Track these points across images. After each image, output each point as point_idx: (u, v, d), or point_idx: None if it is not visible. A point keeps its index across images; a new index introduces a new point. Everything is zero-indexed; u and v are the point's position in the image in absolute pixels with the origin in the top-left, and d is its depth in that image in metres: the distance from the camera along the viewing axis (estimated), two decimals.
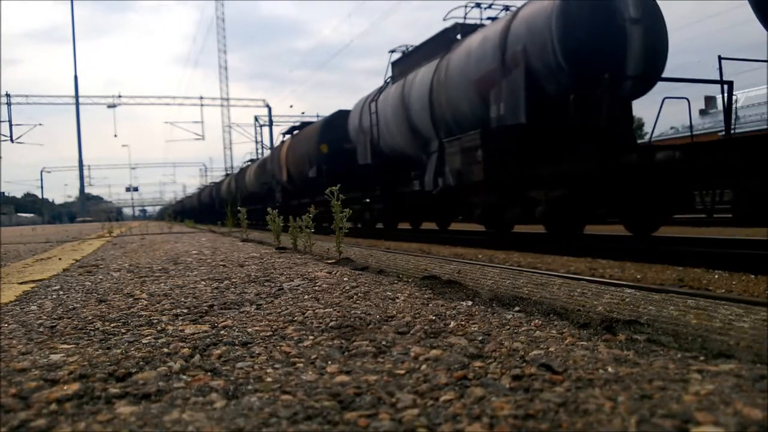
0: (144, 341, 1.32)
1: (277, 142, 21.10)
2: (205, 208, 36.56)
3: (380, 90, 11.99)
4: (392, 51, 11.98)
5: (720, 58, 6.15)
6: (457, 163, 8.26)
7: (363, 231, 13.00)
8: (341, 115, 14.63)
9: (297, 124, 19.57)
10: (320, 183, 13.31)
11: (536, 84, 7.04)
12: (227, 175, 36.05)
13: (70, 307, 1.88)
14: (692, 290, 3.67)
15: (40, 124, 40.42)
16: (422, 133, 10.01)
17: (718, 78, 6.28)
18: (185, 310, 1.74)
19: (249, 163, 27.96)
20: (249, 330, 1.42)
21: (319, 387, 0.95)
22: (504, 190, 7.68)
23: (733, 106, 7.51)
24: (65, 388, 0.97)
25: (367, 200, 12.60)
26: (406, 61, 11.36)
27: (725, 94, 6.49)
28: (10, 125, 37.74)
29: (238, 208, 6.72)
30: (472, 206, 8.65)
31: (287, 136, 19.58)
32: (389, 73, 12.01)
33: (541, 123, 7.00)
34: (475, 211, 8.53)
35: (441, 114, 9.21)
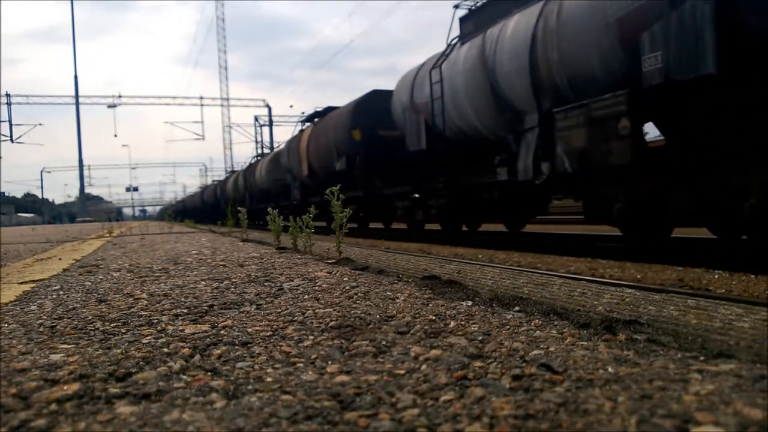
0: (144, 341, 1.32)
1: (294, 132, 18.20)
2: (208, 208, 34.79)
3: (443, 54, 9.08)
4: (456, 6, 9.01)
5: None
6: (581, 139, 5.99)
7: (362, 231, 12.69)
8: (377, 96, 12.17)
9: (319, 109, 16.10)
10: (351, 176, 11.68)
11: (733, 14, 4.59)
12: (233, 172, 33.35)
13: (70, 307, 1.88)
14: (692, 290, 3.67)
15: (40, 124, 40.39)
16: (513, 104, 7.41)
17: None
18: (185, 310, 1.74)
19: (259, 158, 25.28)
20: (249, 330, 1.42)
21: (319, 387, 0.95)
22: (673, 173, 5.32)
23: None
24: (65, 388, 0.97)
25: (416, 195, 10.33)
26: (485, 13, 8.37)
27: None
28: (10, 125, 37.74)
29: (239, 208, 6.31)
30: (602, 200, 6.20)
31: (307, 125, 16.66)
32: (455, 34, 9.03)
33: (740, 72, 4.64)
34: (613, 206, 5.96)
35: (548, 75, 6.65)
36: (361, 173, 11.98)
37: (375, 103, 11.98)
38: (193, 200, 47.10)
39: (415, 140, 9.94)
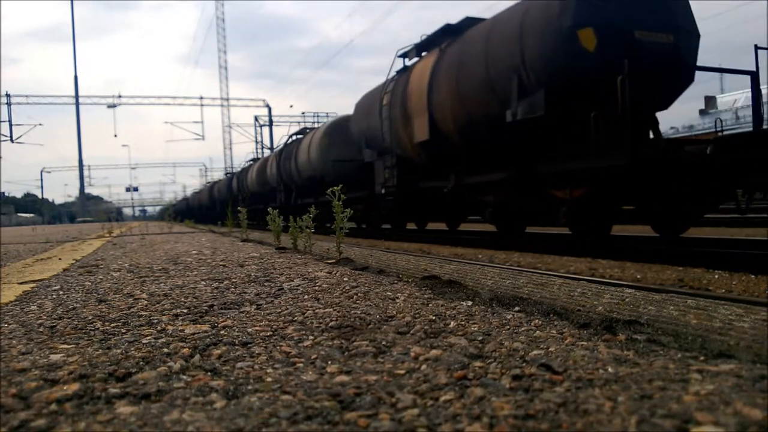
0: (144, 341, 1.32)
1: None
2: (215, 206, 30.53)
3: None
4: None
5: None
6: None
7: (362, 231, 12.24)
8: None
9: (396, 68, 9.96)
10: (558, 128, 6.28)
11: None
12: (254, 161, 26.48)
13: (70, 307, 1.88)
14: (692, 290, 3.67)
15: (40, 124, 40.40)
16: None
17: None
18: (185, 310, 1.74)
19: (298, 136, 17.83)
20: (249, 330, 1.42)
21: (319, 387, 0.95)
22: None
23: (734, 105, 7.37)
24: (65, 388, 0.97)
25: None
26: None
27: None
28: (10, 125, 37.76)
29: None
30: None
31: (414, 60, 9.73)
32: None
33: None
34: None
35: None
36: (624, 112, 5.27)
37: None
38: (199, 197, 42.90)
39: None
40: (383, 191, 10.36)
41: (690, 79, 6.27)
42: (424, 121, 8.62)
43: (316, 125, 19.48)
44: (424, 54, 9.61)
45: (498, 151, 7.32)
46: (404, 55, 10.22)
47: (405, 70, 9.96)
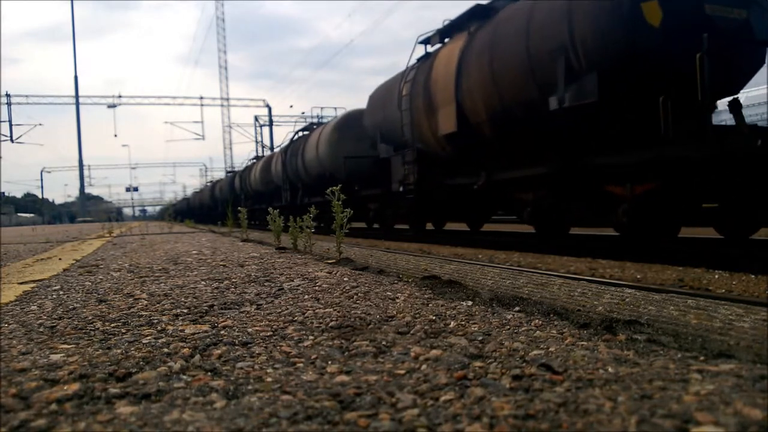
0: (144, 341, 1.32)
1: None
2: (217, 206, 29.22)
3: None
4: None
5: None
6: None
7: (363, 231, 12.18)
8: None
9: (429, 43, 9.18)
10: (612, 115, 5.60)
11: None
12: (257, 159, 25.10)
13: (71, 307, 1.88)
14: (692, 290, 3.67)
15: (40, 124, 40.36)
16: None
17: None
18: (185, 310, 1.74)
19: (305, 133, 16.63)
20: (249, 330, 1.42)
21: (319, 387, 0.95)
22: None
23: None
24: (65, 388, 0.97)
25: None
26: None
27: None
28: (10, 125, 37.74)
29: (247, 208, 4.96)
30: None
31: (437, 46, 8.98)
32: None
33: None
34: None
35: None
36: (703, 95, 4.74)
37: None
38: (201, 197, 41.69)
39: None
40: (401, 189, 9.42)
41: (762, 60, 5.62)
42: (450, 110, 7.79)
43: (324, 120, 17.88)
44: (447, 40, 8.82)
45: (538, 142, 6.59)
46: (426, 41, 9.33)
47: (427, 57, 9.05)
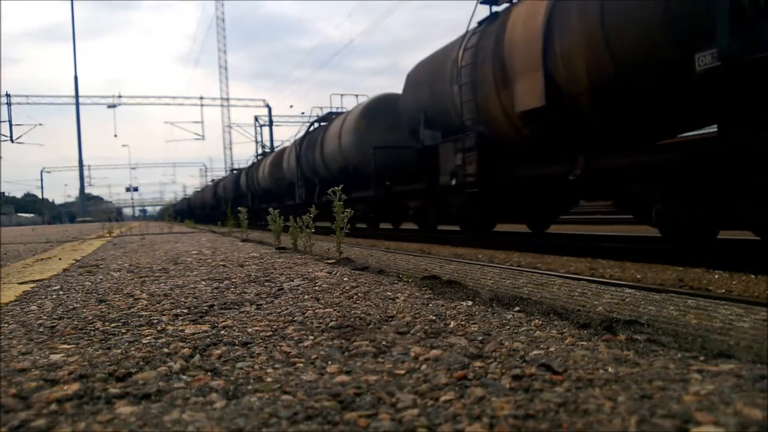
0: (144, 341, 1.32)
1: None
2: (220, 205, 27.58)
3: None
4: None
5: None
6: None
7: (363, 231, 11.97)
8: None
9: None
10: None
11: None
12: (264, 155, 23.23)
13: (71, 307, 1.88)
14: (692, 290, 3.67)
15: (40, 124, 40.31)
16: None
17: None
18: (185, 310, 1.74)
19: (322, 124, 15.22)
20: (249, 330, 1.42)
21: (319, 387, 0.95)
22: None
23: None
24: (65, 388, 0.97)
25: None
26: None
27: None
28: (10, 125, 37.71)
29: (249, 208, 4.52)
30: None
31: (505, 5, 7.38)
32: None
33: None
34: None
35: None
36: None
37: None
38: (203, 196, 40.53)
39: None
40: (453, 182, 7.72)
41: None
42: (535, 80, 6.08)
43: (321, 122, 16.41)
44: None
45: (667, 117, 5.18)
46: (491, 1, 7.51)
47: (495, 18, 7.29)
